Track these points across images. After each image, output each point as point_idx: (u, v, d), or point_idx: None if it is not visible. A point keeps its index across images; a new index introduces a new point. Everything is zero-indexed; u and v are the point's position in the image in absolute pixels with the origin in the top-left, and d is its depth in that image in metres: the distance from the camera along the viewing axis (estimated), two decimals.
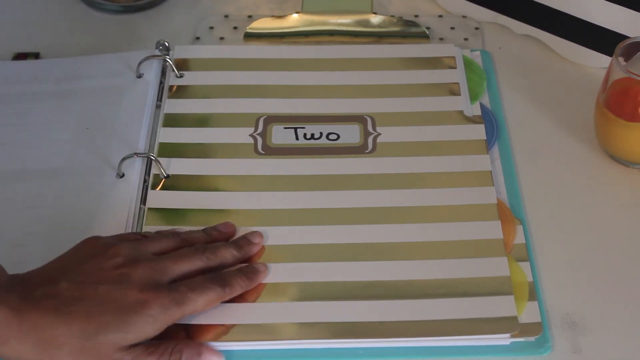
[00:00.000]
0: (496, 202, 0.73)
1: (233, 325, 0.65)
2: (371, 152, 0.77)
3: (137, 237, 0.68)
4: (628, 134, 0.75)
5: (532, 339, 0.65)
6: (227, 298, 0.65)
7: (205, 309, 0.64)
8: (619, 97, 0.74)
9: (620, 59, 0.73)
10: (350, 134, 0.78)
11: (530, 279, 0.68)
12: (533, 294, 0.67)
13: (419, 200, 0.73)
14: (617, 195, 0.75)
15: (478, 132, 0.78)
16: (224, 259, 0.68)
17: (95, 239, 0.66)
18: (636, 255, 0.71)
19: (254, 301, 0.67)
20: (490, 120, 0.80)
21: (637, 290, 0.69)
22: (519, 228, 0.72)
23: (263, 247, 0.70)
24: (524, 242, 0.71)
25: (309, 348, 0.65)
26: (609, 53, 0.76)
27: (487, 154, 0.76)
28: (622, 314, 0.67)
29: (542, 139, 0.80)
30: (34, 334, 0.59)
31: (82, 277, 0.62)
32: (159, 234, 0.69)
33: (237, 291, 0.66)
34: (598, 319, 0.67)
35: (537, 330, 0.65)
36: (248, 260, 0.69)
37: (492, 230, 0.71)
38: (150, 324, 0.61)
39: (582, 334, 0.66)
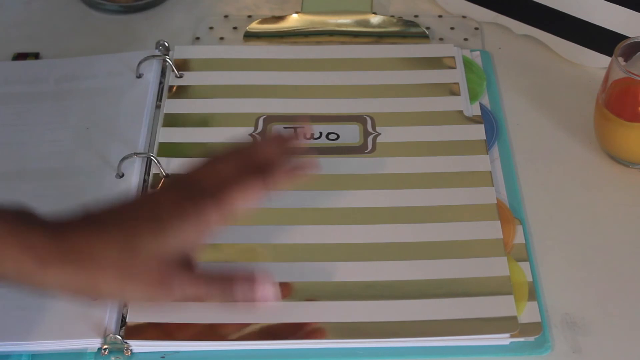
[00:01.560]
0: (496, 202, 0.73)
1: (232, 325, 0.65)
2: (371, 152, 0.77)
3: None
4: (628, 134, 0.75)
5: (531, 339, 0.65)
6: (269, 188, 0.60)
7: (246, 202, 0.59)
8: (618, 97, 0.74)
9: (620, 59, 0.73)
10: (349, 134, 0.78)
11: (530, 279, 0.68)
12: (533, 294, 0.67)
13: (418, 201, 0.73)
14: (617, 195, 0.75)
15: (478, 132, 0.78)
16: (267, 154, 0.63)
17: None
18: (636, 255, 0.71)
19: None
20: (490, 120, 0.80)
21: (637, 290, 0.69)
22: (519, 228, 0.72)
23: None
24: (524, 242, 0.71)
25: (308, 348, 0.65)
26: (609, 53, 0.76)
27: (487, 154, 0.76)
28: (622, 314, 0.67)
29: (541, 139, 0.80)
30: (72, 255, 0.56)
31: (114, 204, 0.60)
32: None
33: (280, 180, 0.61)
34: (598, 319, 0.67)
35: (536, 330, 0.65)
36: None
37: (492, 230, 0.71)
38: (186, 223, 0.57)
39: (582, 334, 0.66)
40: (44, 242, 0.56)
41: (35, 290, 0.58)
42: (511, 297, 0.66)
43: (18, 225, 0.56)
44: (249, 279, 0.59)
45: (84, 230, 0.57)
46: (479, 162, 0.76)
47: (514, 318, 0.65)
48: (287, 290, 0.66)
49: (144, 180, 0.76)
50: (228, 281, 0.59)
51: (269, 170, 0.61)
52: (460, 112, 0.80)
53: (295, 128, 0.79)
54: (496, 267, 0.68)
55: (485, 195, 0.73)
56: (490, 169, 0.75)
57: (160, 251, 0.57)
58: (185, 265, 0.59)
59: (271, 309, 0.60)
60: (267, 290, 0.59)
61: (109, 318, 0.65)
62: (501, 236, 0.70)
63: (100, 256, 0.56)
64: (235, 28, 0.91)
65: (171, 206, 0.58)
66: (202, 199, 0.59)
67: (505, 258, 0.69)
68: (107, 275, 0.57)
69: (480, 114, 0.80)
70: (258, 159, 0.62)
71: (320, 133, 0.79)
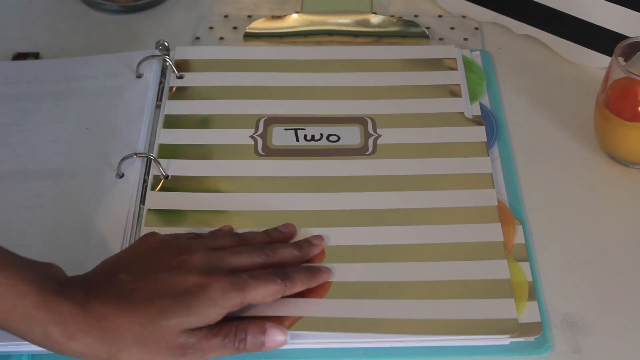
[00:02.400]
0: (496, 204, 0.72)
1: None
2: (371, 153, 0.77)
3: (193, 236, 0.68)
4: (628, 134, 0.75)
5: (531, 339, 0.65)
6: (287, 293, 0.65)
7: (264, 301, 0.64)
8: (618, 97, 0.74)
9: (620, 59, 0.73)
10: (350, 136, 0.78)
11: (530, 279, 0.68)
12: (533, 294, 0.67)
13: (419, 202, 0.73)
14: (617, 195, 0.75)
15: (479, 134, 0.78)
16: (284, 258, 0.67)
17: (152, 235, 0.66)
18: (636, 255, 0.71)
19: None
20: (490, 120, 0.80)
21: (637, 290, 0.69)
22: (519, 228, 0.72)
23: (324, 250, 0.70)
24: (524, 242, 0.71)
25: (308, 348, 0.65)
26: (609, 53, 0.76)
27: (488, 156, 0.76)
28: (621, 314, 0.67)
29: (541, 139, 0.80)
30: (98, 325, 0.60)
31: (140, 268, 0.63)
32: (217, 232, 0.70)
33: (298, 287, 0.65)
34: (598, 319, 0.67)
35: (536, 330, 0.65)
36: (308, 261, 0.68)
37: (493, 232, 0.71)
38: (211, 307, 0.61)
39: (582, 334, 0.66)
40: (72, 313, 0.60)
41: (57, 352, 0.61)
42: (511, 300, 0.66)
43: (47, 291, 0.60)
44: (260, 327, 0.63)
45: (111, 303, 0.60)
46: (480, 164, 0.76)
47: (514, 320, 0.65)
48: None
49: (144, 181, 0.76)
50: (241, 331, 0.63)
51: (289, 274, 0.65)
52: (461, 113, 0.80)
53: (296, 130, 0.79)
54: (497, 270, 0.68)
55: (486, 198, 0.73)
56: (491, 171, 0.75)
57: (182, 327, 0.61)
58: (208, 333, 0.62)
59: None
60: (276, 338, 0.63)
61: None
62: (502, 239, 0.70)
63: (125, 330, 0.60)
64: (235, 28, 0.91)
65: (197, 286, 0.61)
66: (229, 287, 0.62)
67: (505, 261, 0.68)
68: (130, 348, 0.60)
69: (480, 114, 0.80)
70: (278, 260, 0.67)
71: (321, 135, 0.79)
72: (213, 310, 0.61)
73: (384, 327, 0.65)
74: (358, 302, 0.66)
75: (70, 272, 0.64)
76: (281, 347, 0.64)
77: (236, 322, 0.63)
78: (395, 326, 0.65)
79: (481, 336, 0.64)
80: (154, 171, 0.76)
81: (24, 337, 0.60)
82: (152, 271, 0.63)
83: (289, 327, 0.64)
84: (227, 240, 0.68)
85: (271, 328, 0.63)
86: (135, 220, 0.73)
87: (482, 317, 0.65)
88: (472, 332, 0.64)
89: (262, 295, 0.63)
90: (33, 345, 0.64)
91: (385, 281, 0.68)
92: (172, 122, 0.80)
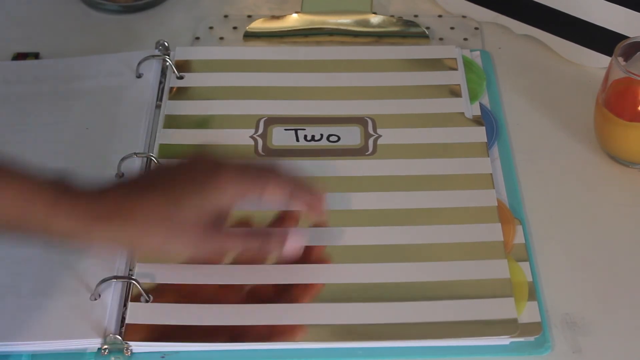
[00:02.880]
0: (496, 204, 0.72)
1: (228, 327, 0.65)
2: (371, 154, 0.77)
3: None
4: (628, 134, 0.75)
5: (531, 338, 0.65)
6: (291, 199, 0.66)
7: (273, 197, 0.66)
8: (618, 97, 0.74)
9: (620, 59, 0.73)
10: (350, 136, 0.78)
11: (530, 279, 0.68)
12: (533, 294, 0.67)
13: (419, 203, 0.73)
14: (617, 195, 0.75)
15: (479, 134, 0.78)
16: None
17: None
18: (636, 255, 0.71)
19: (253, 303, 0.67)
20: (489, 120, 0.80)
21: (637, 290, 0.69)
22: (519, 228, 0.72)
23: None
24: (524, 242, 0.71)
25: (308, 348, 0.65)
26: (609, 53, 0.76)
27: (488, 156, 0.76)
28: (621, 314, 0.67)
29: (541, 139, 0.80)
30: (119, 211, 0.62)
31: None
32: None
33: (301, 201, 0.67)
34: (598, 319, 0.67)
35: (536, 330, 0.65)
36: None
37: (493, 232, 0.70)
38: (221, 190, 0.63)
39: (582, 333, 0.66)
40: (93, 200, 0.62)
41: (80, 246, 0.64)
42: (511, 300, 0.66)
43: (62, 191, 0.61)
44: (282, 235, 0.66)
45: (130, 192, 0.63)
46: (480, 165, 0.76)
47: (514, 321, 0.65)
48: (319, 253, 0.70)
49: None
50: (264, 235, 0.67)
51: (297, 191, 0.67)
52: (462, 114, 0.80)
53: (296, 130, 0.79)
54: (497, 269, 0.68)
55: (486, 198, 0.73)
56: (491, 172, 0.75)
57: (202, 208, 0.63)
58: (221, 223, 0.65)
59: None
60: (296, 244, 0.67)
61: (109, 318, 0.65)
62: (502, 239, 0.70)
63: (148, 211, 0.62)
64: (235, 28, 0.91)
65: (208, 171, 0.64)
66: (240, 175, 0.65)
67: (505, 261, 0.68)
68: (154, 229, 0.62)
69: (480, 114, 0.80)
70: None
71: (321, 135, 0.79)
72: (231, 191, 0.64)
73: (385, 335, 0.65)
74: (357, 306, 0.66)
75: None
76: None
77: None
78: (396, 333, 0.65)
79: (481, 337, 0.65)
80: None
81: (44, 233, 0.61)
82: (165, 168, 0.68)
83: (293, 339, 0.65)
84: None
85: (292, 233, 0.67)
86: None
87: (482, 318, 0.65)
88: (472, 335, 0.64)
89: (271, 191, 0.65)
90: (33, 345, 0.64)
91: (385, 282, 0.68)
92: (172, 122, 0.80)
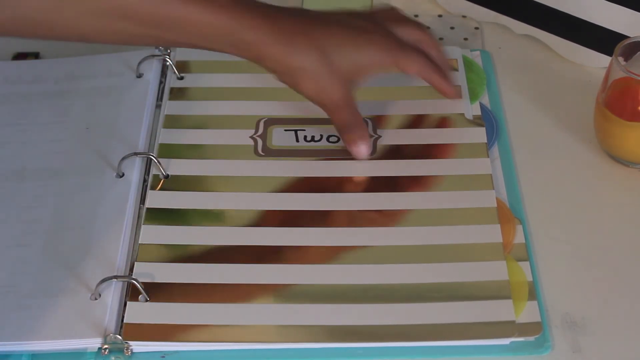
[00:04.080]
0: (496, 205, 0.72)
1: (229, 326, 0.65)
2: (371, 154, 0.77)
3: None
4: (628, 134, 0.75)
5: (531, 338, 0.65)
6: (429, 75, 0.76)
7: (411, 68, 0.74)
8: (618, 97, 0.74)
9: (620, 59, 0.73)
10: None
11: (530, 278, 0.68)
12: (533, 293, 0.67)
13: (418, 203, 0.73)
14: (617, 195, 0.75)
15: (479, 135, 0.78)
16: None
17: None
18: (636, 255, 0.71)
19: (252, 302, 0.67)
20: (490, 120, 0.80)
21: (637, 290, 0.69)
22: (519, 228, 0.72)
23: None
24: (524, 241, 0.71)
25: (308, 348, 0.65)
26: (609, 53, 0.76)
27: (488, 157, 0.76)
28: (622, 313, 0.67)
29: (542, 139, 0.80)
30: (293, 35, 0.69)
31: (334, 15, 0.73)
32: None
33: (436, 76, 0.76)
34: (598, 318, 0.67)
35: (536, 329, 0.65)
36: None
37: (492, 233, 0.70)
38: (374, 52, 0.71)
39: (582, 333, 0.66)
40: (273, 19, 0.69)
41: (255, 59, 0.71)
42: (510, 302, 0.66)
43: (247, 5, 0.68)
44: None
45: (299, 21, 0.70)
46: (480, 166, 0.76)
47: (512, 322, 0.65)
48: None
49: (144, 180, 0.76)
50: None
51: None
52: (462, 114, 0.80)
53: (296, 131, 0.79)
54: (495, 271, 0.68)
55: (486, 199, 0.73)
56: (490, 173, 0.75)
57: (352, 62, 0.71)
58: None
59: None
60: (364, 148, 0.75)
61: (109, 318, 0.66)
62: (501, 240, 0.70)
63: (329, 36, 0.70)
64: None
65: (369, 31, 0.72)
66: (395, 43, 0.73)
67: (504, 262, 0.68)
68: (306, 81, 0.71)
69: (480, 114, 0.80)
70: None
71: (321, 135, 0.79)
72: (377, 54, 0.72)
73: (383, 336, 0.65)
74: (357, 307, 0.66)
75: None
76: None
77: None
78: (395, 334, 0.65)
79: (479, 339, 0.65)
80: (154, 171, 0.76)
81: (230, 51, 0.69)
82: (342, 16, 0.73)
83: (294, 340, 0.65)
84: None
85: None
86: (135, 219, 0.73)
87: (480, 320, 0.65)
88: (470, 337, 0.64)
89: (416, 68, 0.74)
90: (33, 345, 0.64)
91: (384, 283, 0.68)
92: (173, 122, 0.80)
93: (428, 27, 0.78)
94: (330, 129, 0.79)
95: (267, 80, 0.83)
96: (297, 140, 0.78)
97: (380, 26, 0.74)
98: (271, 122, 0.80)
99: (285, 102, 0.81)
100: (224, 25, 0.67)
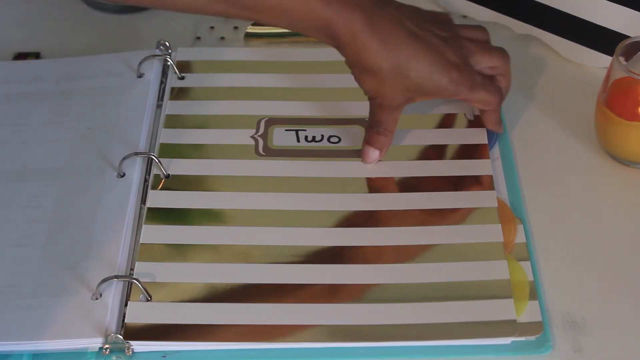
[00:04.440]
0: (497, 205, 0.72)
1: (230, 326, 0.65)
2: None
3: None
4: (628, 134, 0.75)
5: (532, 338, 0.65)
6: (493, 107, 0.76)
7: (475, 104, 0.76)
8: (619, 97, 0.74)
9: (621, 59, 0.73)
10: (351, 137, 0.78)
11: (531, 278, 0.68)
12: (534, 293, 0.67)
13: (419, 203, 0.73)
14: (617, 195, 0.76)
15: (480, 135, 0.78)
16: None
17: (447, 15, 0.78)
18: (637, 254, 0.71)
19: (254, 302, 0.67)
20: None
21: (638, 289, 0.69)
22: (520, 227, 0.72)
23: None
24: (525, 241, 0.71)
25: (309, 348, 0.65)
26: (610, 53, 0.76)
27: (489, 158, 0.76)
28: (622, 313, 0.67)
29: (542, 139, 0.80)
30: (379, 35, 0.70)
31: (423, 24, 0.73)
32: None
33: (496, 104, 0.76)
34: (599, 318, 0.67)
35: (537, 329, 0.65)
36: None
37: (493, 233, 0.70)
38: (445, 84, 0.72)
39: (583, 333, 0.66)
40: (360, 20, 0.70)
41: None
42: (511, 301, 0.66)
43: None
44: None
45: (392, 26, 0.71)
46: (481, 166, 0.76)
47: (514, 322, 0.65)
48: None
49: (145, 180, 0.76)
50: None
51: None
52: (462, 115, 0.80)
53: (297, 131, 0.79)
54: (496, 270, 0.68)
55: (486, 199, 0.73)
56: (491, 173, 0.75)
57: (416, 88, 0.72)
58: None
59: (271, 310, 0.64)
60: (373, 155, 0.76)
61: (110, 317, 0.65)
62: (502, 239, 0.70)
63: (408, 44, 0.71)
64: (235, 28, 0.91)
65: (449, 64, 0.72)
66: (469, 78, 0.73)
67: (505, 262, 0.68)
68: (385, 84, 0.72)
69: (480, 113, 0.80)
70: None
71: (322, 136, 0.79)
72: (446, 87, 0.72)
73: (384, 336, 0.65)
74: (357, 307, 0.66)
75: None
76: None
77: None
78: (395, 334, 0.65)
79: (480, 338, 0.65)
80: (154, 170, 0.76)
81: (317, 36, 0.71)
82: (430, 31, 0.72)
83: (292, 339, 0.65)
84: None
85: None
86: (136, 219, 0.73)
87: (481, 319, 0.65)
88: (471, 336, 0.65)
89: (478, 101, 0.75)
90: (34, 345, 0.64)
91: (384, 283, 0.68)
92: (174, 122, 0.80)
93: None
94: (331, 130, 0.79)
95: (268, 80, 0.84)
96: (298, 140, 0.78)
97: (462, 52, 0.74)
98: (272, 122, 0.80)
99: (286, 102, 0.81)
100: (317, 14, 0.70)
